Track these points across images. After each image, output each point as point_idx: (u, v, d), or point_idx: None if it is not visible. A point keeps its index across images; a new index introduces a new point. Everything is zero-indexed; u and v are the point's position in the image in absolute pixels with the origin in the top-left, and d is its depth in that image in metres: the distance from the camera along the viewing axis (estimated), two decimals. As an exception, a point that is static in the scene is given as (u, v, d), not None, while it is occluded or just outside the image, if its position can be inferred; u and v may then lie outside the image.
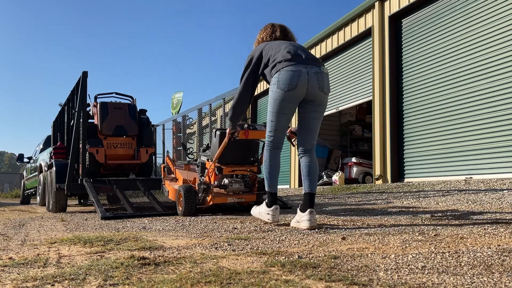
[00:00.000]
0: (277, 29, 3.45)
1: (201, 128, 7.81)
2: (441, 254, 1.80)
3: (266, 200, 3.19)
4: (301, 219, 2.95)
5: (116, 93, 7.80)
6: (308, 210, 2.92)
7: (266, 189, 3.17)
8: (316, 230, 2.81)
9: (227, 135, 3.73)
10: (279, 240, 2.43)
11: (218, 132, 4.24)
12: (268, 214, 3.15)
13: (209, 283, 1.45)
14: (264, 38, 3.46)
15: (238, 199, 4.31)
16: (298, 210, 3.02)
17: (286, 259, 1.81)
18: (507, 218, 3.00)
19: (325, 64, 11.88)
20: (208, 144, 4.78)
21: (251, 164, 4.40)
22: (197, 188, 4.37)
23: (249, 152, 4.37)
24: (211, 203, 4.24)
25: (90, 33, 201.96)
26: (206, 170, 4.39)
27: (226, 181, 4.29)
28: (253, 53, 3.31)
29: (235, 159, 4.30)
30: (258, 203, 4.66)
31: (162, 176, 5.53)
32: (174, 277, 1.54)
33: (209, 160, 4.38)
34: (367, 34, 10.07)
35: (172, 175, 5.40)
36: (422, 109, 8.47)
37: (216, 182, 4.33)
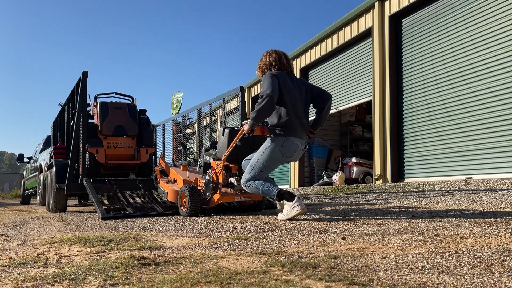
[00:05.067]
0: (282, 57, 3.79)
1: (201, 128, 7.80)
2: (441, 254, 1.80)
3: (284, 200, 3.50)
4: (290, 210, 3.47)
5: (116, 93, 7.79)
6: (296, 197, 3.45)
7: (275, 197, 3.52)
8: (316, 230, 2.81)
9: (245, 131, 3.70)
10: (279, 240, 2.43)
11: (227, 131, 4.20)
12: (294, 207, 3.41)
13: (209, 283, 1.45)
14: (272, 62, 3.76)
15: (246, 198, 4.26)
16: (285, 202, 3.51)
17: (286, 259, 1.81)
18: (507, 218, 3.00)
19: (325, 64, 11.92)
20: (211, 143, 4.71)
21: None
22: (200, 188, 4.33)
23: (256, 150, 4.34)
24: (219, 202, 4.18)
25: (90, 33, 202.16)
26: (210, 169, 4.34)
27: (233, 180, 4.22)
28: (278, 78, 3.57)
29: (243, 157, 4.23)
30: (261, 203, 4.71)
31: (158, 178, 5.44)
32: (174, 277, 1.54)
33: (215, 159, 4.32)
34: (367, 34, 10.07)
35: (168, 177, 5.30)
36: (422, 109, 8.46)
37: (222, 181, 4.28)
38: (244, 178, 3.68)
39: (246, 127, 3.68)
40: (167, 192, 4.88)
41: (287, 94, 3.57)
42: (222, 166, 4.15)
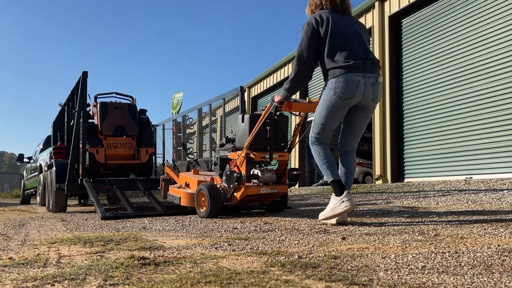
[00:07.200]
0: None
1: (201, 128, 7.81)
2: (441, 254, 1.80)
3: (333, 193, 3.01)
4: (339, 203, 2.94)
5: (116, 93, 7.80)
6: (346, 191, 2.94)
7: (329, 180, 3.03)
8: (316, 230, 2.81)
9: (275, 102, 3.34)
10: (279, 240, 2.43)
11: (247, 116, 3.88)
12: (342, 202, 2.92)
13: (209, 283, 1.45)
14: (323, 1, 3.20)
15: (271, 190, 3.89)
16: (332, 196, 3.02)
17: (286, 259, 1.81)
18: (507, 218, 3.00)
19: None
20: (226, 138, 4.36)
21: (281, 150, 3.98)
22: (219, 186, 4.01)
23: (279, 137, 3.96)
24: (242, 197, 3.78)
25: (90, 33, 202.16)
26: (228, 164, 4.02)
27: (256, 171, 3.86)
28: (314, 22, 3.08)
29: (265, 144, 3.80)
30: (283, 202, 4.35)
31: (161, 187, 5.13)
32: (174, 277, 1.54)
33: (234, 151, 4.03)
34: (367, 34, 10.06)
35: (177, 184, 4.90)
36: (422, 109, 8.46)
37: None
38: (310, 135, 3.16)
39: (277, 98, 3.31)
40: (180, 197, 4.49)
41: (332, 32, 3.04)
42: (244, 155, 3.78)
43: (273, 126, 3.76)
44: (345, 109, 3.07)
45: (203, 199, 4.03)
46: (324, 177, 3.12)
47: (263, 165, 4.04)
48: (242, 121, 3.94)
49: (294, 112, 3.77)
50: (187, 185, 4.62)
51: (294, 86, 3.18)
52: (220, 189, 3.97)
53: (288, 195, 4.30)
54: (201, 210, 4.07)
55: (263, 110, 3.65)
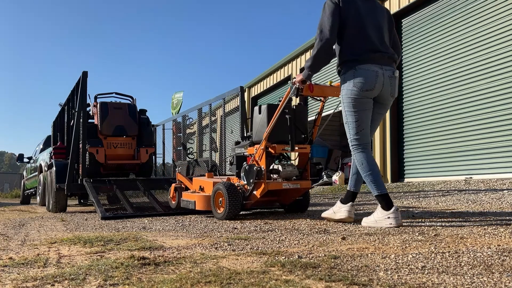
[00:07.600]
0: None
1: (201, 128, 7.80)
2: (441, 254, 1.80)
3: (380, 205, 2.86)
4: (339, 210, 3.13)
5: (116, 93, 7.81)
6: (350, 203, 3.09)
7: (374, 193, 2.89)
8: (316, 230, 2.81)
9: (297, 82, 3.16)
10: (279, 240, 2.43)
11: (264, 106, 3.70)
12: (388, 218, 2.79)
13: (209, 283, 1.45)
14: None
15: (294, 185, 3.68)
16: (338, 201, 3.17)
17: (286, 259, 1.81)
18: (507, 218, 3.00)
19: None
20: (241, 136, 4.15)
21: (302, 142, 3.77)
22: (237, 185, 3.78)
23: (298, 128, 3.75)
24: (265, 192, 3.57)
25: (90, 33, 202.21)
26: (246, 162, 3.84)
27: (277, 165, 3.69)
28: (338, 3, 2.98)
29: (285, 136, 3.58)
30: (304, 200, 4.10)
31: (171, 196, 4.94)
32: (174, 277, 1.54)
33: (251, 146, 3.86)
34: (367, 34, 10.05)
35: (190, 190, 4.64)
36: (422, 109, 8.46)
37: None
38: (349, 141, 3.01)
39: (298, 78, 3.14)
40: (195, 201, 4.21)
41: (353, 19, 2.94)
42: (263, 148, 3.57)
43: (292, 117, 3.55)
44: (370, 98, 2.95)
45: (220, 199, 3.79)
46: (371, 190, 2.94)
47: (283, 159, 3.89)
48: (259, 113, 3.75)
49: (315, 97, 3.57)
50: (202, 189, 4.40)
51: (317, 63, 3.02)
52: (238, 188, 3.75)
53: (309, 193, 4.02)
54: (219, 212, 3.81)
55: (280, 101, 3.48)
